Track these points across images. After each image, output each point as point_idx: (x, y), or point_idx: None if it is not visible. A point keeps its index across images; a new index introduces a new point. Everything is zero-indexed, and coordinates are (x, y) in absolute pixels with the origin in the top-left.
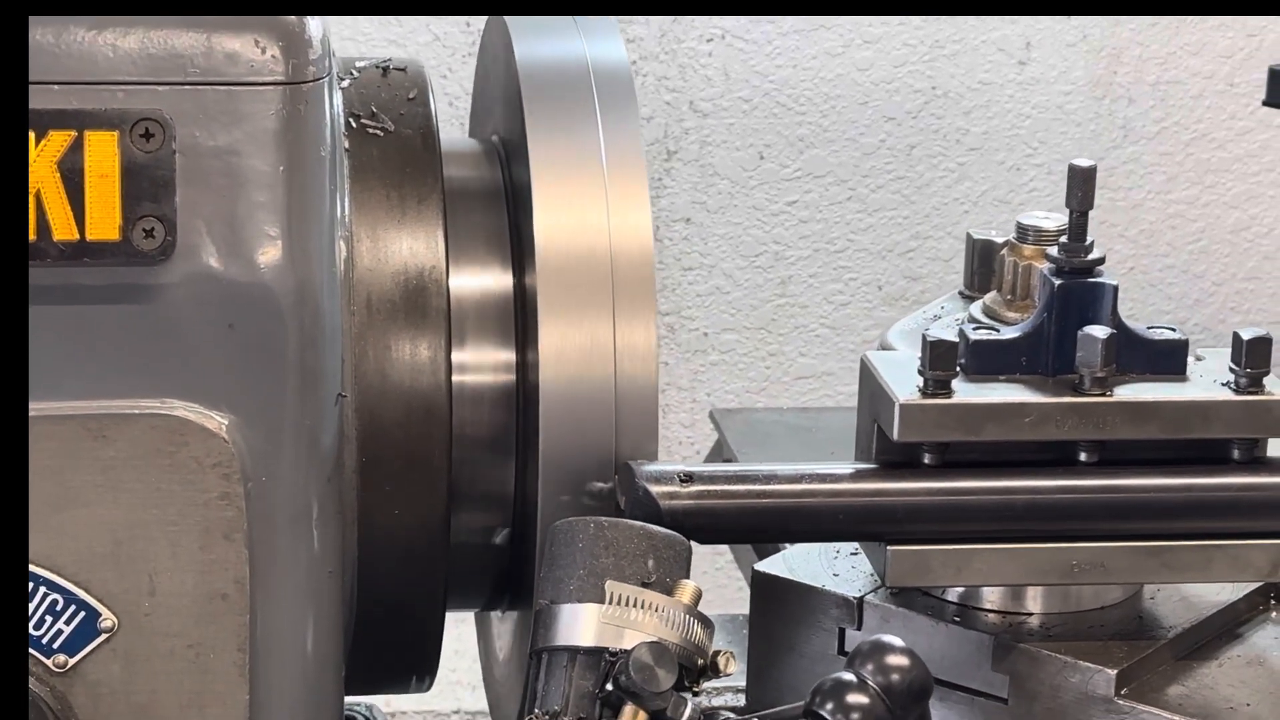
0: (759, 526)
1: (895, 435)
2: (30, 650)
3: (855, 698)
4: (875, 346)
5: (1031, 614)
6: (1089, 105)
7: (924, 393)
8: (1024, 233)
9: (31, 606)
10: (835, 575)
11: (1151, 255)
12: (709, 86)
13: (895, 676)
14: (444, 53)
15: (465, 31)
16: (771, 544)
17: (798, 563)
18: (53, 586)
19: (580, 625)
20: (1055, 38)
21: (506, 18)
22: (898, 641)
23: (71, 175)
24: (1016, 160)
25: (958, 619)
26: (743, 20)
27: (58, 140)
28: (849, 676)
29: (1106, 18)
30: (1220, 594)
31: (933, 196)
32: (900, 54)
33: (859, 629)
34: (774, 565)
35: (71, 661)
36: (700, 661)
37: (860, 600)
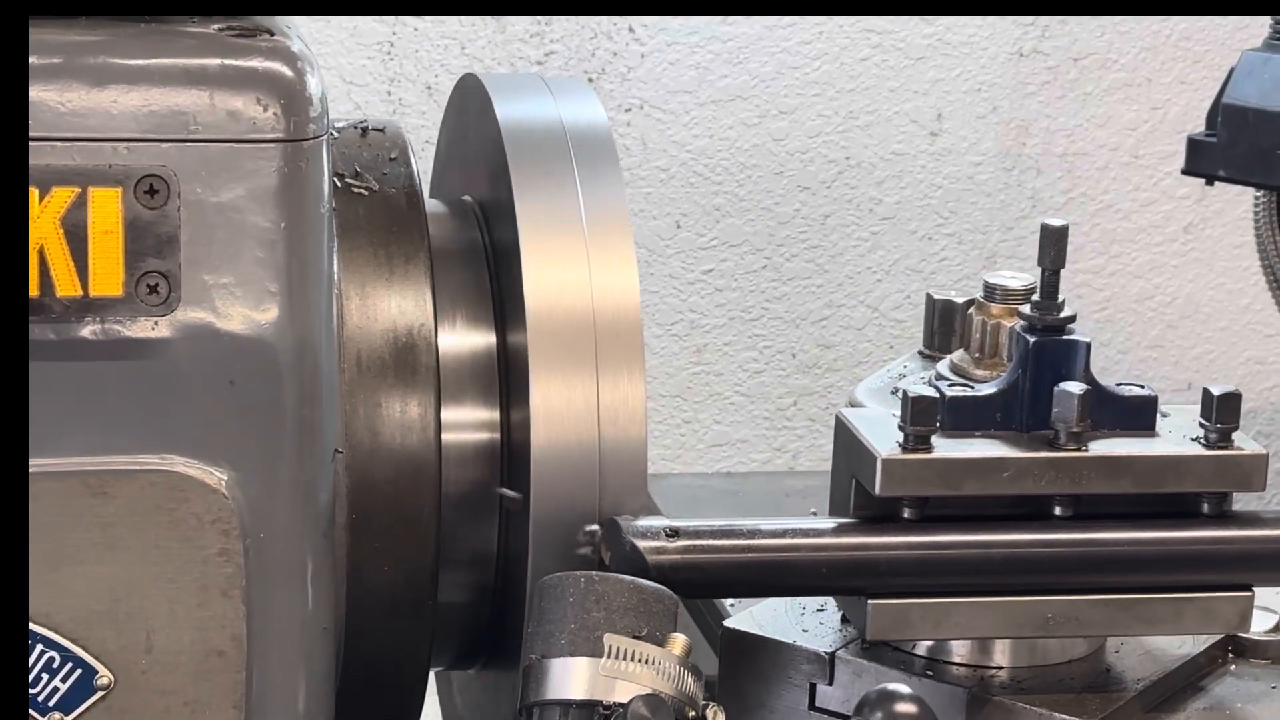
0: (744, 580)
1: (878, 490)
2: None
3: None
4: (794, 412)
5: (1001, 668)
6: (999, 176)
7: (905, 448)
8: (991, 292)
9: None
10: (805, 631)
11: None
12: (627, 156)
13: None
14: None
15: (386, 100)
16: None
17: (766, 619)
18: (49, 644)
19: (572, 679)
20: (966, 110)
21: (481, 78)
22: (905, 689)
23: (75, 231)
24: (928, 230)
25: (929, 673)
26: (660, 91)
27: (61, 197)
28: None
29: (1017, 90)
30: (1182, 647)
31: (846, 265)
32: (815, 124)
33: (830, 684)
34: (743, 622)
35: (67, 719)
36: (692, 713)
37: (832, 655)
